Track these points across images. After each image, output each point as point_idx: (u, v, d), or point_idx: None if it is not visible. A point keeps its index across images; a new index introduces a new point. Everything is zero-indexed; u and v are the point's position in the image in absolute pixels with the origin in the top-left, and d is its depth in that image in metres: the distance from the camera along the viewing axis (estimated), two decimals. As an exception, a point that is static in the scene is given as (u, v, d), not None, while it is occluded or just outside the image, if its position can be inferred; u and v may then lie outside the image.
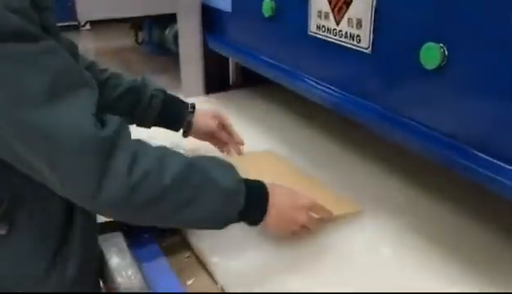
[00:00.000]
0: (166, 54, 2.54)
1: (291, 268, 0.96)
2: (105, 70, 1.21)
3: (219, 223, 0.86)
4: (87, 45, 6.30)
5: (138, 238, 1.05)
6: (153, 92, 1.24)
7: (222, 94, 1.92)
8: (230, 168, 0.87)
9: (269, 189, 0.92)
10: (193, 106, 1.31)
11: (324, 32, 1.25)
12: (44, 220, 0.84)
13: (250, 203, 0.86)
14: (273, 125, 1.59)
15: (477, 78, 0.88)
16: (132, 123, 1.22)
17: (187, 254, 1.04)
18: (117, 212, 0.76)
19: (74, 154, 0.68)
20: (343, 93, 1.23)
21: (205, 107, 1.37)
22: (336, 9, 1.19)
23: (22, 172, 0.75)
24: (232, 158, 1.27)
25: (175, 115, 1.28)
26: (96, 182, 0.69)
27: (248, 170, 0.97)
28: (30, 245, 0.83)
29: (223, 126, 1.33)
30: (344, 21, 1.17)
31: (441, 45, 0.92)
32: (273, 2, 1.43)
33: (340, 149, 1.44)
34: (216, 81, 1.95)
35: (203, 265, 1.00)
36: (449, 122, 0.97)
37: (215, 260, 0.99)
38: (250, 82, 1.95)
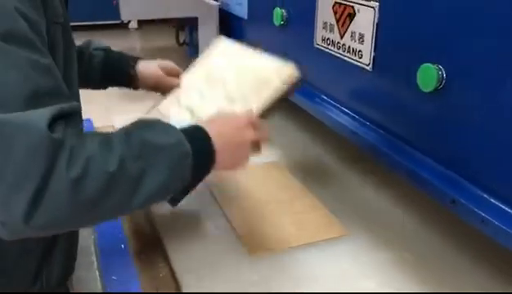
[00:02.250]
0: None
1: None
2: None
3: (177, 183, 0.77)
4: (134, 44, 6.47)
5: (113, 250, 1.02)
6: (92, 52, 1.20)
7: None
8: (162, 125, 0.80)
9: (205, 125, 0.83)
10: (135, 59, 1.25)
11: (329, 45, 1.18)
12: None
13: (196, 148, 0.78)
14: (276, 135, 1.53)
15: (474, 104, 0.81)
16: (82, 87, 1.18)
17: (163, 272, 1.01)
18: (65, 220, 0.67)
19: (22, 156, 0.61)
20: (346, 110, 1.17)
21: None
22: (341, 21, 1.13)
23: None
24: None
25: (117, 71, 1.23)
26: (35, 190, 0.62)
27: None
28: (18, 252, 0.82)
29: (171, 73, 1.26)
30: (348, 35, 1.11)
31: (436, 66, 0.85)
32: (284, 11, 1.38)
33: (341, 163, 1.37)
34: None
35: (177, 283, 0.97)
36: (444, 150, 0.89)
37: (189, 282, 0.94)
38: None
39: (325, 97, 1.25)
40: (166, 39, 6.75)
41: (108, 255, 1.01)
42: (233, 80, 1.09)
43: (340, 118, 1.16)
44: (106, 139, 0.71)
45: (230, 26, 1.80)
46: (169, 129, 0.78)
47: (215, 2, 1.82)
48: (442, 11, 0.85)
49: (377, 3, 1.00)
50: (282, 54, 1.41)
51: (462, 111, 0.84)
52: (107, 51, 1.22)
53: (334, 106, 1.20)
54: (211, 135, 0.82)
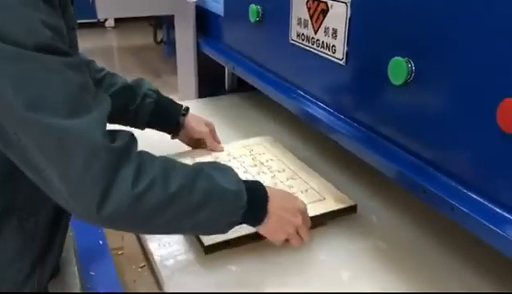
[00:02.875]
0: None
1: (254, 286, 0.92)
2: (102, 69, 1.22)
3: (224, 225, 0.87)
4: (111, 42, 6.41)
5: (90, 245, 1.02)
6: (146, 92, 1.23)
7: (214, 98, 1.89)
8: (230, 171, 0.89)
9: (267, 190, 0.92)
10: (186, 109, 1.29)
11: (303, 40, 1.20)
12: (30, 230, 0.85)
13: (252, 203, 0.87)
14: (259, 132, 1.54)
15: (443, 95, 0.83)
16: (125, 124, 1.22)
17: (142, 264, 1.01)
18: (122, 223, 0.77)
19: (83, 164, 0.69)
20: (321, 104, 1.19)
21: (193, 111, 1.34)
22: (314, 17, 1.14)
23: (15, 181, 0.79)
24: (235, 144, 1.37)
25: (167, 116, 1.27)
26: (101, 193, 0.70)
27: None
28: (14, 252, 0.84)
29: (213, 134, 1.33)
30: (321, 30, 1.13)
31: (406, 60, 0.87)
32: (259, 7, 1.39)
33: (329, 161, 1.39)
34: (211, 85, 1.92)
35: (156, 276, 0.97)
36: (415, 141, 0.91)
37: (167, 273, 0.95)
38: (246, 87, 1.91)
39: (300, 92, 1.26)
40: (143, 37, 6.67)
41: (86, 250, 1.01)
42: (285, 180, 1.20)
43: (315, 111, 1.18)
44: (172, 163, 0.81)
45: (207, 23, 1.81)
46: (235, 176, 0.88)
47: (192, 0, 1.82)
48: (412, 7, 0.88)
49: (349, -1, 1.02)
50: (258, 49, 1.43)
51: (431, 103, 0.86)
52: (158, 93, 1.26)
53: (310, 101, 1.22)
54: (269, 199, 0.91)
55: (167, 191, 0.75)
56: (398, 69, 0.89)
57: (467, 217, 0.79)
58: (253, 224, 0.92)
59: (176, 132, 1.29)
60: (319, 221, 1.06)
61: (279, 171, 1.24)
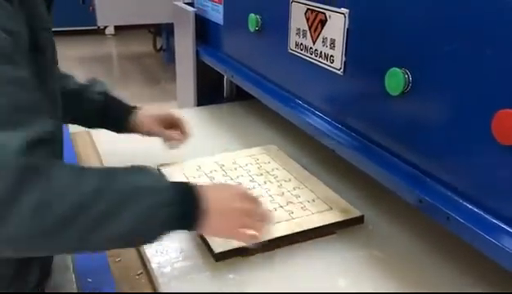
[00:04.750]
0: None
1: (244, 288, 0.92)
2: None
3: (152, 230, 0.77)
4: (110, 49, 6.43)
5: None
6: (93, 97, 1.22)
7: (213, 106, 1.90)
8: (151, 170, 0.80)
9: (199, 187, 0.83)
10: (134, 107, 1.28)
11: (302, 50, 1.21)
12: None
13: (179, 201, 0.78)
14: (258, 140, 1.54)
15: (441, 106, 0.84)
16: (74, 123, 1.24)
17: (139, 271, 1.01)
18: (25, 243, 0.67)
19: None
20: (318, 114, 1.20)
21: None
22: (313, 27, 1.16)
23: None
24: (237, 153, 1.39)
25: (116, 118, 1.26)
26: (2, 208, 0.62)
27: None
28: None
29: (171, 124, 1.29)
30: (320, 40, 1.14)
31: (405, 70, 0.88)
32: (258, 17, 1.41)
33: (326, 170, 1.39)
34: (210, 93, 1.93)
35: (153, 284, 0.98)
36: (411, 151, 0.92)
37: (164, 281, 0.96)
38: (245, 95, 1.93)
39: (299, 101, 1.27)
40: (143, 45, 6.69)
41: (83, 257, 1.01)
42: (292, 189, 1.21)
43: (314, 121, 1.19)
44: (81, 171, 0.73)
45: (206, 32, 1.82)
46: (156, 174, 0.81)
47: (191, 8, 1.84)
48: (408, 19, 0.89)
49: (347, 10, 1.03)
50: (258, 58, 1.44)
51: (428, 113, 0.87)
52: (107, 96, 1.25)
53: (308, 110, 1.23)
54: (202, 195, 0.81)
55: (74, 200, 0.67)
56: (395, 79, 0.90)
57: (462, 227, 0.79)
58: (192, 227, 0.82)
59: (128, 131, 1.28)
60: (329, 231, 1.07)
61: (285, 181, 1.24)
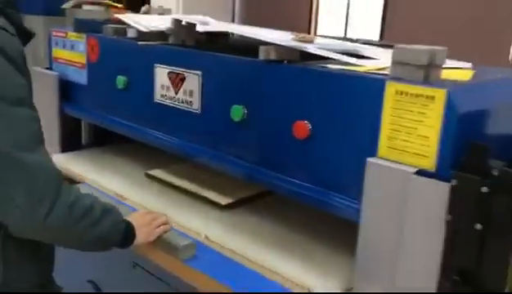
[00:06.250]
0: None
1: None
2: None
3: (114, 242, 1.30)
4: None
5: None
6: None
7: (77, 152, 2.27)
8: (117, 217, 1.32)
9: (130, 218, 1.40)
10: None
11: (166, 99, 1.76)
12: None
13: (126, 229, 1.34)
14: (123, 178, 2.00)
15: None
16: None
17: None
18: (59, 232, 1.14)
19: (46, 188, 1.08)
20: (183, 141, 1.74)
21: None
22: (174, 83, 1.71)
23: None
24: None
25: None
26: (49, 208, 1.08)
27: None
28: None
29: None
30: (181, 92, 1.70)
31: (243, 106, 1.50)
32: (125, 77, 1.90)
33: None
34: (71, 140, 2.29)
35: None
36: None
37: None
38: (101, 141, 2.35)
39: (164, 136, 1.80)
40: None
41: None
42: None
43: (183, 147, 1.73)
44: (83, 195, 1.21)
45: (68, 92, 2.21)
46: (118, 217, 1.33)
47: (54, 72, 2.21)
48: (241, 75, 1.52)
49: (200, 71, 1.62)
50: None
51: (259, 131, 1.50)
52: None
53: (172, 138, 1.76)
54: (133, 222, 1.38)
55: (87, 205, 1.18)
56: (236, 111, 1.50)
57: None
58: (130, 242, 1.35)
59: None
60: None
61: None
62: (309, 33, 8.21)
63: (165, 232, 1.47)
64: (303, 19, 8.58)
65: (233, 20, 8.36)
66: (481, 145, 0.99)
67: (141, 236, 1.39)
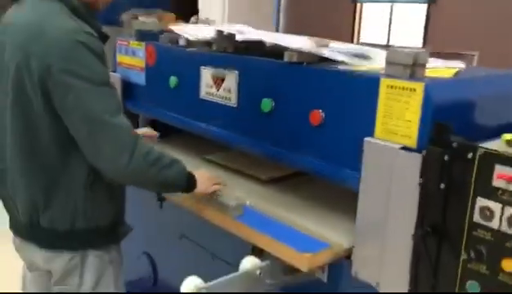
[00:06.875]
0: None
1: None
2: None
3: (179, 185, 1.66)
4: None
5: None
6: None
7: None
8: (183, 166, 1.68)
9: (194, 172, 1.74)
10: None
11: (209, 95, 2.12)
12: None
13: (189, 177, 1.70)
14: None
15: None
16: None
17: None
18: (138, 174, 1.51)
19: (127, 142, 1.47)
20: (222, 130, 2.10)
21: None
22: (216, 83, 2.08)
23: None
24: None
25: None
26: (130, 156, 1.46)
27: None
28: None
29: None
30: (221, 89, 2.06)
31: (271, 100, 1.84)
32: (176, 78, 2.29)
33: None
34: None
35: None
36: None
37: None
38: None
39: (207, 125, 2.17)
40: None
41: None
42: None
43: (223, 135, 2.09)
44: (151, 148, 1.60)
45: (129, 91, 2.63)
46: (184, 168, 1.70)
47: (118, 75, 2.63)
48: (271, 74, 1.86)
49: (237, 71, 1.97)
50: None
51: (285, 121, 1.83)
52: None
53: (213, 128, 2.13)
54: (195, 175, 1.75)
55: (157, 163, 1.55)
56: (266, 104, 1.85)
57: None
58: (192, 189, 1.71)
59: None
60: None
61: None
62: (352, 41, 8.49)
63: (219, 190, 1.82)
64: (346, 27, 8.85)
65: (277, 30, 8.73)
66: (444, 125, 1.29)
67: (201, 187, 1.73)
